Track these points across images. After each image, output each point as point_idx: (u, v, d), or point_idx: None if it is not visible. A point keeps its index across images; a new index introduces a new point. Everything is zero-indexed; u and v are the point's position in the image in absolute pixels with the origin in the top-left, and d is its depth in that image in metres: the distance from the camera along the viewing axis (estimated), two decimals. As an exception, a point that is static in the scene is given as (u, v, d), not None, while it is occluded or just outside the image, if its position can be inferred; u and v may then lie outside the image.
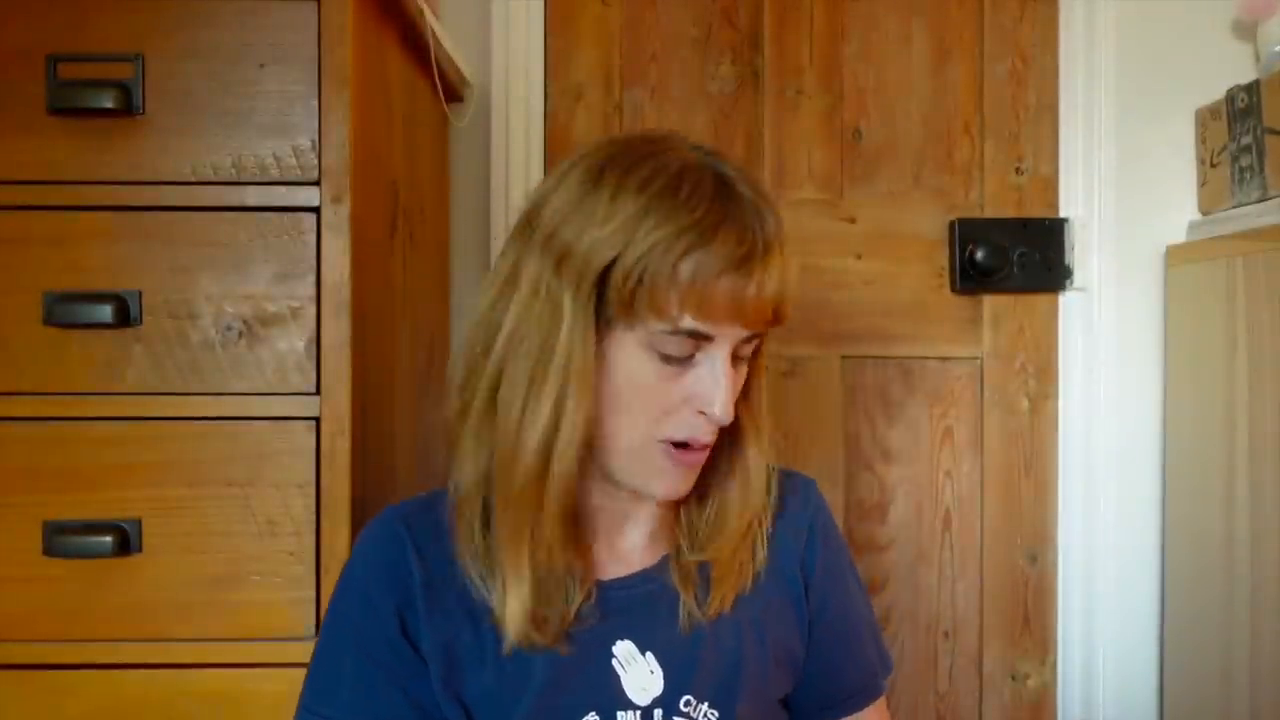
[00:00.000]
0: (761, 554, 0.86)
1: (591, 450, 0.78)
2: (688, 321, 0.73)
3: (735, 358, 0.78)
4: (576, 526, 0.81)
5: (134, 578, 0.93)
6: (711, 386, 0.75)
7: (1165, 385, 1.50)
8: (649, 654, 0.81)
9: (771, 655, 0.86)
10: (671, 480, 0.79)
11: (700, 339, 0.74)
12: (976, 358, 1.56)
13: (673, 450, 0.78)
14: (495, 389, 0.77)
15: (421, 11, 1.16)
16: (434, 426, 1.38)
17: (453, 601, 0.80)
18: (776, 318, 0.77)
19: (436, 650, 0.79)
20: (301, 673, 0.91)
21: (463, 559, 0.80)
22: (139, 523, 0.93)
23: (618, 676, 0.81)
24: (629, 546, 0.85)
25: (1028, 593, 1.56)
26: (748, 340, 0.77)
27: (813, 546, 0.89)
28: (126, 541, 0.92)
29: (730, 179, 0.76)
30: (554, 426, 0.74)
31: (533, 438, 0.74)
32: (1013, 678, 1.56)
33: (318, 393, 0.93)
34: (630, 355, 0.75)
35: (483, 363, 0.78)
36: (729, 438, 0.83)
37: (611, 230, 0.72)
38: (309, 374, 0.94)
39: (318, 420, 0.93)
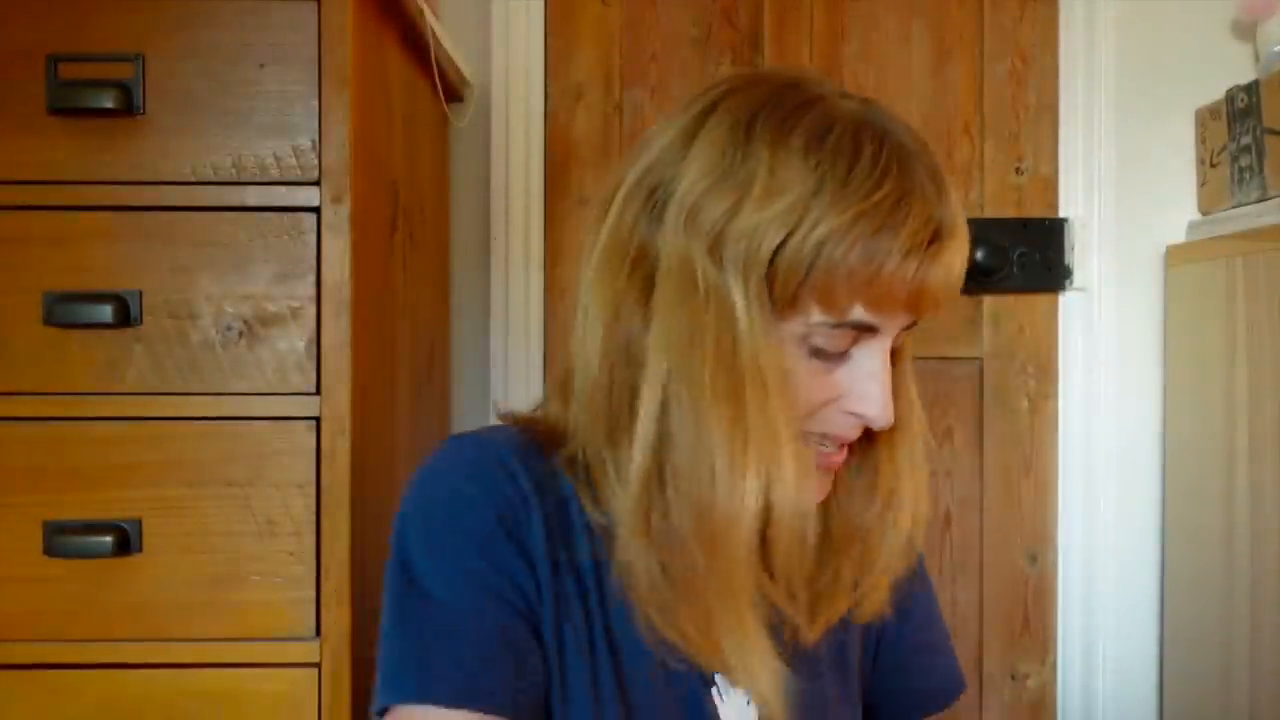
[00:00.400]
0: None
1: None
2: (858, 313, 0.62)
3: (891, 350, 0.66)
4: None
5: (134, 578, 0.93)
6: (868, 385, 0.64)
7: (1165, 385, 1.50)
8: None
9: (855, 685, 0.79)
10: (814, 484, 0.67)
11: (863, 331, 0.63)
12: (976, 358, 1.56)
13: (807, 443, 0.66)
14: (665, 421, 0.63)
15: (421, 11, 1.16)
16: (434, 426, 1.39)
17: (567, 587, 0.67)
18: (942, 306, 0.65)
19: (545, 631, 0.66)
20: (302, 673, 0.91)
21: (638, 607, 0.66)
22: (139, 523, 0.93)
23: (714, 705, 0.71)
24: None
25: (1028, 593, 1.56)
26: (906, 329, 0.66)
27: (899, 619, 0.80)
28: (127, 541, 0.92)
29: (904, 143, 0.63)
30: (770, 457, 0.61)
31: (751, 488, 0.61)
32: (1013, 678, 1.56)
33: (318, 393, 0.93)
34: (779, 344, 0.63)
35: (625, 379, 0.65)
36: (885, 449, 0.73)
37: (780, 209, 0.60)
38: (309, 374, 0.94)
39: (318, 420, 0.93)
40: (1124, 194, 1.51)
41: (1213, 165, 1.44)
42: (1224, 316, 1.35)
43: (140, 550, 0.93)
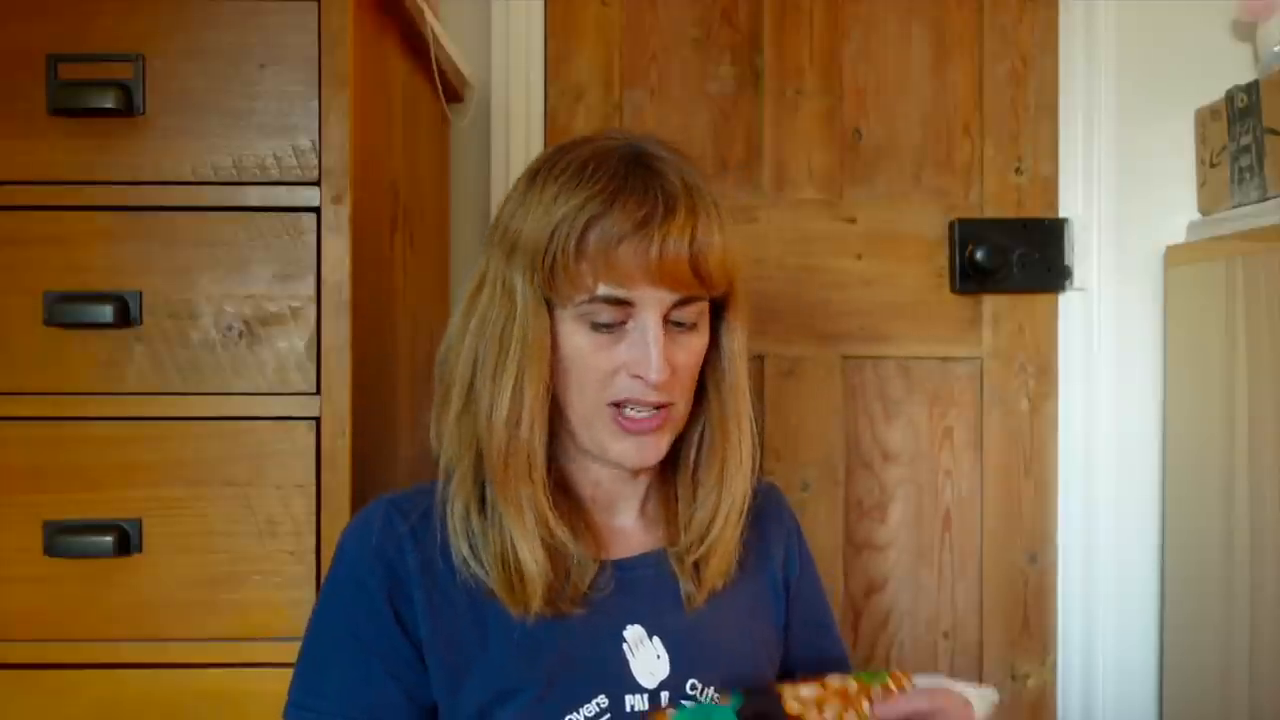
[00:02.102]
0: (739, 543, 0.88)
1: (570, 429, 0.83)
2: (603, 288, 0.78)
3: (675, 324, 0.81)
4: (573, 504, 0.85)
5: (134, 577, 0.93)
6: (642, 349, 0.78)
7: (1165, 385, 1.50)
8: (655, 639, 0.84)
9: (759, 647, 0.91)
10: (630, 447, 0.82)
11: (623, 305, 0.78)
12: (976, 358, 1.56)
13: (619, 416, 0.81)
14: (471, 380, 0.82)
15: (421, 11, 1.16)
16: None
17: (450, 587, 0.81)
18: (703, 280, 0.79)
19: (437, 638, 0.80)
20: (302, 672, 0.91)
21: (456, 543, 0.81)
22: (139, 523, 0.93)
23: (627, 660, 0.82)
24: (627, 528, 0.88)
25: (1028, 593, 1.56)
26: (681, 304, 0.80)
27: (796, 549, 0.97)
28: (127, 541, 0.92)
29: (643, 154, 0.81)
30: (519, 401, 0.79)
31: (500, 415, 0.79)
32: (1013, 677, 1.56)
33: (318, 393, 0.94)
34: (570, 331, 0.80)
35: (457, 358, 0.83)
36: (707, 420, 0.87)
37: (540, 218, 0.79)
38: (309, 374, 0.94)
39: (318, 420, 0.93)
40: (1124, 194, 1.51)
41: (1213, 165, 1.44)
42: (1224, 316, 1.35)
43: (140, 550, 0.93)
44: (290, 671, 0.91)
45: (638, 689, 0.82)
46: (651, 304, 0.79)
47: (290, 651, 0.91)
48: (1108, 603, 1.51)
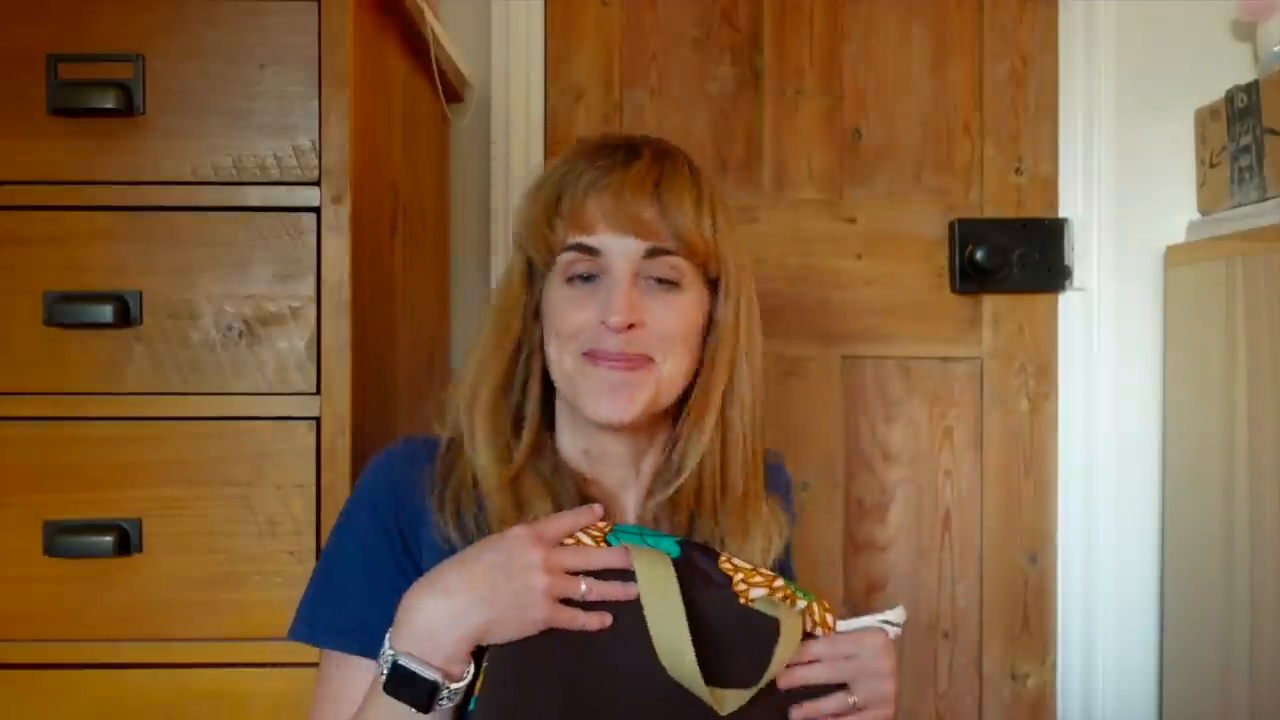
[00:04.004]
0: (761, 536, 0.88)
1: (560, 396, 0.86)
2: (570, 238, 0.82)
3: (656, 281, 0.83)
4: (567, 473, 0.87)
5: (134, 577, 0.93)
6: (609, 295, 0.81)
7: (1165, 385, 1.50)
8: None
9: None
10: (604, 396, 0.82)
11: (592, 254, 0.82)
12: (976, 358, 1.56)
13: (590, 361, 0.83)
14: (475, 349, 0.87)
15: (421, 11, 1.16)
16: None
17: (457, 522, 0.83)
18: (672, 231, 0.82)
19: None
20: (302, 672, 0.91)
21: (448, 510, 0.83)
22: (139, 523, 0.93)
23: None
24: (623, 500, 0.89)
25: (1028, 593, 1.56)
26: (651, 256, 0.82)
27: (789, 536, 0.96)
28: (127, 541, 0.92)
29: (625, 137, 0.87)
30: (495, 350, 0.86)
31: (475, 364, 0.86)
32: (1013, 677, 1.56)
33: (318, 393, 0.94)
34: (553, 290, 0.84)
35: (478, 332, 0.89)
36: (698, 387, 0.87)
37: (531, 195, 0.86)
38: (309, 374, 0.94)
39: (318, 420, 0.93)
40: (1124, 194, 1.51)
41: (1212, 165, 1.44)
42: (1223, 316, 1.35)
43: (140, 550, 0.93)
44: (290, 671, 0.91)
45: None
46: (618, 253, 0.82)
47: (290, 651, 0.91)
48: (1108, 603, 1.51)
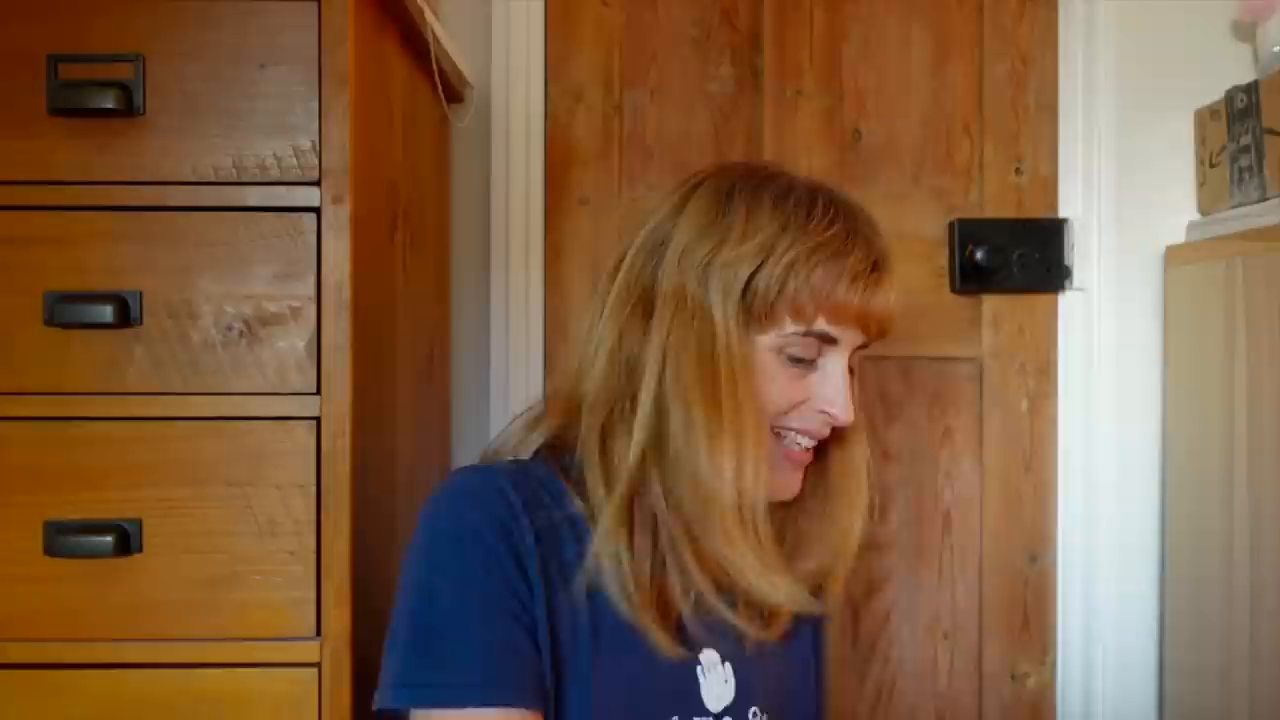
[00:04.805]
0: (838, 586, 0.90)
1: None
2: (820, 324, 0.80)
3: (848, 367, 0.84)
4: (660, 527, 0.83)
5: (135, 577, 0.93)
6: (834, 386, 0.82)
7: (1165, 385, 1.50)
8: (727, 664, 0.85)
9: (810, 677, 0.97)
10: (787, 478, 0.84)
11: (827, 342, 0.81)
12: (976, 358, 1.56)
13: (782, 445, 0.83)
14: (659, 413, 0.79)
15: (421, 11, 1.16)
16: (434, 426, 1.39)
17: (557, 574, 0.79)
18: (883, 331, 0.84)
19: (541, 617, 0.78)
20: (302, 673, 0.91)
21: (598, 560, 0.79)
22: (139, 523, 0.93)
23: (699, 683, 0.84)
24: None
25: (1028, 593, 1.56)
26: (859, 349, 0.84)
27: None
28: (127, 541, 0.92)
29: (849, 200, 0.84)
30: (739, 445, 0.78)
31: (728, 464, 0.77)
32: (1013, 677, 1.56)
33: (318, 393, 0.93)
34: (763, 358, 0.81)
35: (629, 389, 0.81)
36: (837, 452, 0.89)
37: (754, 244, 0.79)
38: (309, 374, 0.94)
39: (318, 420, 0.93)
40: (1124, 194, 1.51)
41: (1212, 165, 1.44)
42: (1223, 316, 1.35)
43: (140, 550, 0.93)
44: (290, 671, 0.91)
45: (706, 712, 0.83)
46: (848, 345, 0.83)
47: (290, 651, 0.92)
48: (1108, 603, 1.51)
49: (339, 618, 0.92)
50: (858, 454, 0.89)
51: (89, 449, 0.93)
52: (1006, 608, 1.56)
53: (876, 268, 0.81)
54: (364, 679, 0.90)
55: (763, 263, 0.78)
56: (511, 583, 0.76)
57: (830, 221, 0.80)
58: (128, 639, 0.93)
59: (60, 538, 0.92)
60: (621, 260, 0.85)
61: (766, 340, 0.80)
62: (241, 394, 0.93)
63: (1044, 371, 1.55)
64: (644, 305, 0.82)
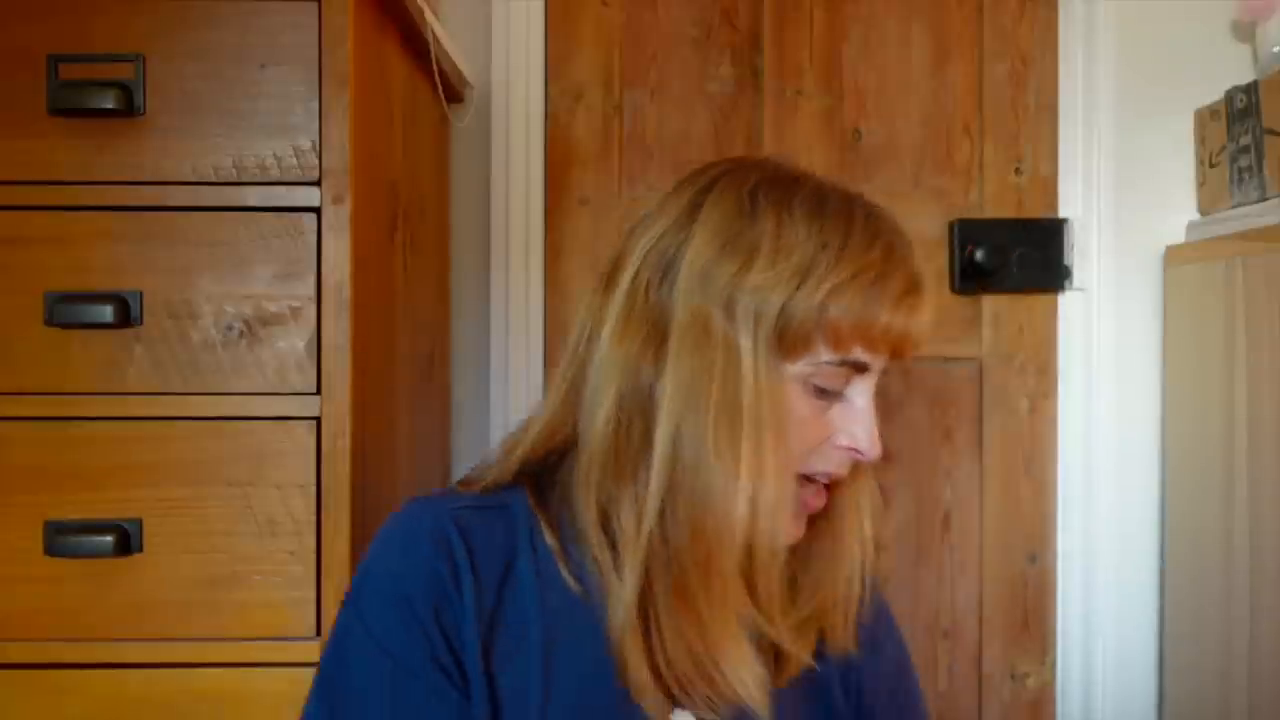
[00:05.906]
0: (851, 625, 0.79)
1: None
2: (857, 352, 0.71)
3: None
4: None
5: (135, 577, 0.93)
6: (861, 418, 0.72)
7: (1164, 385, 1.50)
8: None
9: None
10: (798, 524, 0.74)
11: (858, 370, 0.72)
12: (976, 358, 1.56)
13: (802, 492, 0.73)
14: (674, 450, 0.69)
15: (421, 11, 1.16)
16: (434, 426, 1.39)
17: (507, 624, 0.71)
18: (915, 353, 0.75)
19: (480, 677, 0.70)
20: (301, 672, 0.91)
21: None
22: (139, 523, 0.93)
23: None
24: None
25: (1027, 593, 1.56)
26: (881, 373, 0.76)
27: (870, 658, 0.84)
28: (127, 541, 0.92)
29: (883, 214, 0.75)
30: (758, 484, 0.68)
31: (741, 504, 0.68)
32: (1012, 677, 1.56)
33: (318, 393, 0.94)
34: (790, 391, 0.71)
35: (640, 423, 0.71)
36: (841, 487, 0.78)
37: (789, 268, 0.69)
38: (309, 374, 0.94)
39: (318, 420, 0.93)
40: (1123, 194, 1.51)
41: (1212, 165, 1.45)
42: (1223, 316, 1.35)
43: (141, 550, 0.93)
44: (290, 671, 0.91)
45: None
46: (878, 370, 0.73)
47: (290, 651, 0.92)
48: (1108, 603, 1.51)
49: (339, 618, 0.92)
50: (864, 487, 0.79)
51: (89, 449, 0.93)
52: (1006, 607, 1.56)
53: (916, 288, 0.73)
54: (364, 679, 0.90)
55: (799, 287, 0.69)
56: (434, 648, 0.69)
57: (871, 239, 0.71)
58: (128, 639, 0.93)
59: (60, 537, 0.92)
60: (619, 269, 0.74)
61: (794, 370, 0.70)
62: (242, 394, 0.93)
63: (1044, 371, 1.56)
64: (656, 334, 0.71)
